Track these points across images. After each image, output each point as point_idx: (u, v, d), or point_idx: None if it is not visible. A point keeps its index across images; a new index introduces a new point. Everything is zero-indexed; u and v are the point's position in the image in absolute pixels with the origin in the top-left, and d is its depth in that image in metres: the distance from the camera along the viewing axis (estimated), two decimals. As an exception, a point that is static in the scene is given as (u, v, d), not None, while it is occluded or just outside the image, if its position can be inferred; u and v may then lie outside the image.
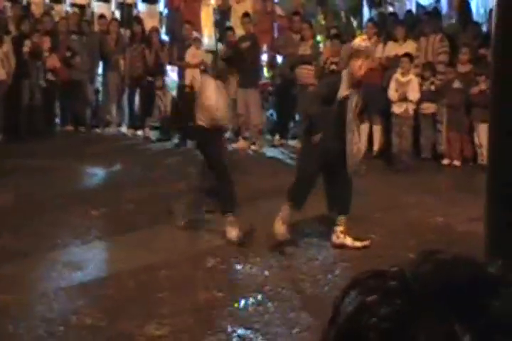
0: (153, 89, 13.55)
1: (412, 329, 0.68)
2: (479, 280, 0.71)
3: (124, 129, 14.19)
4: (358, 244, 7.42)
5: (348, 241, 7.47)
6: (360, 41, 7.56)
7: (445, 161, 11.59)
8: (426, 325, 0.68)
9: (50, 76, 13.60)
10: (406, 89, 11.41)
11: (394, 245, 7.34)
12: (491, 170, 3.91)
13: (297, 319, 5.95)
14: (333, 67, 12.30)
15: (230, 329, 5.73)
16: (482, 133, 10.52)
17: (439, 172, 11.20)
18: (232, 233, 7.59)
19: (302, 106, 10.86)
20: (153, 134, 13.69)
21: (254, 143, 12.77)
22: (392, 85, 11.50)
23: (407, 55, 11.64)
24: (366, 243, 7.45)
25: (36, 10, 15.47)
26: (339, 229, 7.50)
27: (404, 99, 11.42)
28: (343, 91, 7.21)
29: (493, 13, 3.89)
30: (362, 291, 0.74)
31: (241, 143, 12.94)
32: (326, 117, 7.16)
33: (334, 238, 7.52)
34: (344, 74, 7.33)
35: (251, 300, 6.25)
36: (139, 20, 14.67)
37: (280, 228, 7.37)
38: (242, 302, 6.21)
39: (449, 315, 0.68)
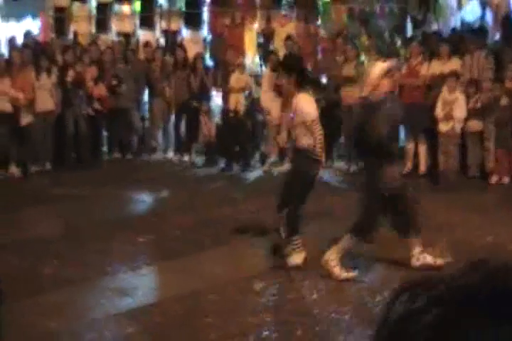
0: (198, 115, 13.64)
1: (455, 338, 0.68)
2: None
3: (170, 155, 14.29)
4: (439, 261, 7.30)
5: (428, 259, 7.33)
6: (381, 63, 7.56)
7: (493, 179, 11.45)
8: (469, 333, 0.68)
9: (96, 105, 13.78)
10: (452, 107, 11.33)
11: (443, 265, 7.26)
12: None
13: (344, 343, 5.90)
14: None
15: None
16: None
17: (486, 190, 11.06)
18: None
19: (349, 127, 10.81)
20: (199, 159, 13.77)
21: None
22: (439, 103, 11.44)
23: (453, 73, 11.58)
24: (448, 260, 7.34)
25: (82, 40, 15.75)
26: (416, 251, 7.35)
27: (450, 117, 11.34)
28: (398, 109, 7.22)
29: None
30: (409, 297, 0.74)
31: (286, 166, 12.92)
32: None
33: (414, 261, 7.34)
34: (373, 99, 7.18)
35: (299, 323, 6.21)
36: (182, 46, 14.81)
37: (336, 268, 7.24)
38: (290, 326, 6.17)
39: (493, 324, 0.68)
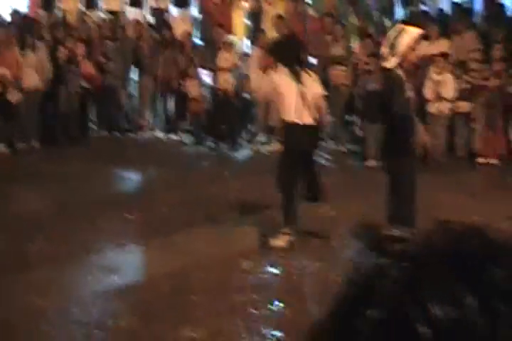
0: (186, 93, 13.59)
1: (419, 291, 0.71)
2: (485, 249, 0.75)
3: (158, 133, 14.26)
4: None
5: None
6: (417, 30, 7.11)
7: (481, 160, 11.49)
8: (431, 287, 0.71)
9: (83, 82, 13.71)
10: (441, 87, 11.34)
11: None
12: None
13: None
14: (367, 67, 12.25)
15: (264, 332, 5.73)
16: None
17: (474, 171, 11.11)
18: None
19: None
20: (187, 138, 13.75)
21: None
22: (428, 84, 11.44)
23: (442, 53, 11.57)
24: None
25: (70, 17, 15.63)
26: None
27: (439, 97, 11.35)
28: (408, 88, 6.95)
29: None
30: (381, 253, 0.77)
31: (275, 146, 12.92)
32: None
33: None
34: (400, 73, 6.84)
35: (285, 302, 6.23)
36: (168, 25, 14.74)
37: None
38: (277, 304, 6.19)
39: (453, 279, 0.72)
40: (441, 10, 13.97)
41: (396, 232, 0.80)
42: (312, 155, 7.79)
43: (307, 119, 7.46)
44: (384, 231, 0.81)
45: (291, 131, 7.44)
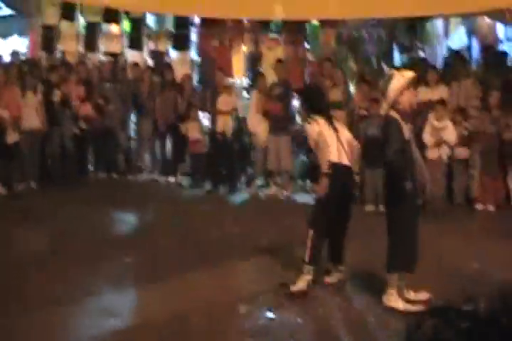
0: (184, 136, 13.63)
1: None
2: None
3: (156, 176, 14.27)
4: (412, 308, 6.83)
5: (400, 304, 7.02)
6: (406, 74, 7.12)
7: (479, 206, 11.51)
8: None
9: (82, 124, 13.76)
10: (441, 134, 11.40)
11: (429, 292, 7.26)
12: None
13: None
14: (363, 112, 12.33)
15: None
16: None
17: (473, 217, 11.11)
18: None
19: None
20: (185, 181, 13.76)
21: (285, 189, 12.78)
22: (427, 130, 11.50)
23: (441, 100, 11.66)
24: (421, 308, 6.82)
25: (70, 59, 15.74)
26: (390, 290, 7.11)
27: (441, 143, 11.40)
28: (406, 130, 6.97)
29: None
30: (435, 325, 0.76)
31: (272, 189, 12.96)
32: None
33: (385, 299, 7.12)
34: (395, 115, 6.90)
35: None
36: (170, 67, 14.83)
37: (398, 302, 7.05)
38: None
39: None
40: (445, 57, 14.10)
41: (461, 304, 0.79)
42: (349, 209, 7.75)
43: (346, 161, 7.56)
44: (449, 303, 0.79)
45: (335, 170, 7.48)
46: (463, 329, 0.66)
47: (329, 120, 7.65)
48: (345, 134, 7.75)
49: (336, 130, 7.63)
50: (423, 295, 7.20)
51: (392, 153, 6.80)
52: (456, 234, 9.67)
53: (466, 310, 0.68)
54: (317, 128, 7.58)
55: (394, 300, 7.05)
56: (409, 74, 7.07)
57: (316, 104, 7.77)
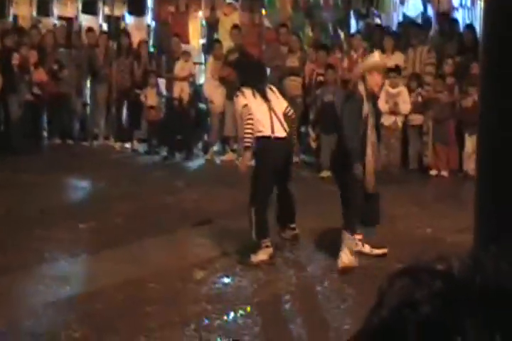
0: (140, 102, 13.54)
1: (451, 335, 0.70)
2: None
3: (112, 142, 14.16)
4: (377, 251, 7.43)
5: (367, 248, 7.47)
6: (378, 56, 7.55)
7: (432, 172, 11.63)
8: (465, 331, 0.70)
9: (36, 90, 13.58)
10: (396, 100, 11.45)
11: (382, 257, 7.35)
12: (479, 182, 3.90)
13: (286, 331, 5.94)
14: (320, 78, 12.34)
15: (219, 343, 5.71)
16: (470, 144, 10.57)
17: (426, 183, 11.23)
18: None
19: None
20: (141, 147, 13.69)
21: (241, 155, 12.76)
22: (382, 97, 11.53)
23: (395, 67, 11.69)
24: (385, 250, 7.46)
25: (23, 23, 15.48)
26: (358, 237, 7.41)
27: (394, 111, 11.46)
28: (366, 107, 7.13)
29: (481, 26, 3.88)
30: (408, 285, 0.75)
31: (229, 155, 12.95)
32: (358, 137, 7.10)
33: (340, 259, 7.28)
34: (361, 89, 7.11)
35: (240, 312, 6.22)
36: (126, 33, 14.66)
37: (350, 258, 7.20)
38: (231, 315, 6.18)
39: (490, 323, 0.70)
40: (399, 23, 14.12)
41: (437, 265, 0.78)
42: (288, 172, 7.79)
43: (280, 133, 7.53)
44: (420, 262, 0.79)
45: (265, 145, 7.50)
46: (437, 289, 0.66)
47: (260, 92, 7.60)
48: (281, 104, 7.76)
49: (267, 101, 7.59)
50: (380, 250, 7.42)
51: (347, 130, 6.98)
52: (410, 200, 9.77)
53: (438, 269, 0.69)
54: (243, 101, 7.58)
55: (358, 245, 7.32)
56: (385, 62, 7.42)
57: (247, 76, 7.82)
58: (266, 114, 7.53)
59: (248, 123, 7.45)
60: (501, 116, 3.63)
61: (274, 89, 7.91)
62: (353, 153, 7.02)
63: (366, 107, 7.11)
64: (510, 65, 3.58)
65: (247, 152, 7.62)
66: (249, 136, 7.49)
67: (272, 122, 7.52)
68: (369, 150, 7.21)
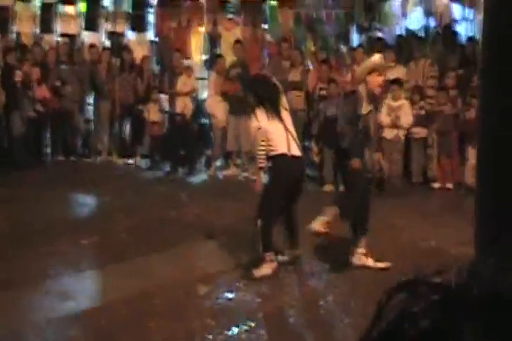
0: (143, 118, 13.56)
1: None
2: None
3: (114, 158, 14.19)
4: (380, 264, 7.44)
5: (370, 262, 7.48)
6: (379, 58, 7.56)
7: (436, 185, 11.62)
8: (463, 340, 0.70)
9: (39, 106, 13.62)
10: (397, 113, 11.46)
11: (385, 270, 7.34)
12: (478, 194, 3.91)
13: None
14: (322, 92, 12.36)
15: (223, 357, 5.70)
16: (472, 157, 10.56)
17: (430, 195, 11.22)
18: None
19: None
20: (144, 163, 13.70)
21: (245, 170, 12.77)
22: (384, 110, 11.55)
23: (396, 80, 11.71)
24: (388, 264, 7.46)
25: (26, 40, 15.54)
26: (360, 250, 7.49)
27: (396, 124, 11.46)
28: (366, 107, 7.21)
29: (480, 37, 3.90)
30: (406, 298, 0.75)
31: (232, 170, 12.96)
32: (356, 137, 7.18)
33: (355, 259, 7.49)
34: (362, 90, 7.24)
35: (243, 327, 6.21)
36: (128, 48, 14.72)
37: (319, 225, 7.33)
38: (235, 329, 6.17)
39: (490, 334, 0.70)
40: (399, 36, 14.15)
41: (431, 277, 0.78)
42: (298, 191, 7.74)
43: (296, 152, 7.57)
44: (418, 275, 0.79)
45: (282, 162, 7.52)
46: (435, 301, 0.66)
47: (276, 112, 7.57)
48: (290, 122, 7.76)
49: (282, 121, 7.58)
50: (383, 264, 7.44)
51: (344, 123, 7.03)
52: (414, 212, 9.76)
53: (436, 282, 0.69)
54: (257, 124, 7.60)
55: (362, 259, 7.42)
56: (382, 61, 7.45)
57: (263, 97, 7.71)
58: (282, 134, 7.52)
59: (262, 145, 7.49)
60: (501, 120, 3.63)
61: (288, 107, 7.89)
62: (351, 149, 7.08)
63: (367, 107, 7.18)
64: (508, 72, 3.59)
65: (261, 173, 7.67)
66: (263, 157, 7.52)
67: (288, 141, 7.52)
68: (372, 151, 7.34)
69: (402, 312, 0.74)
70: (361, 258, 7.44)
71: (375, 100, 7.49)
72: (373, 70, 7.22)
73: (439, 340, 0.71)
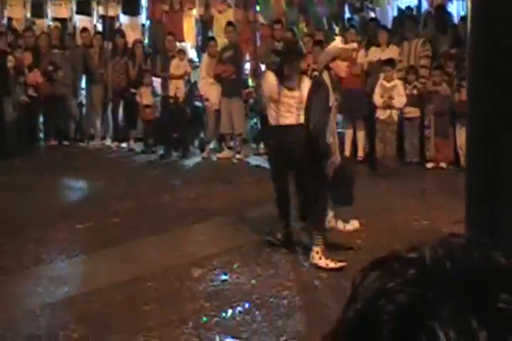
0: (136, 101, 13.52)
1: (428, 321, 0.70)
2: (495, 276, 0.73)
3: (108, 142, 14.16)
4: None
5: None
6: (340, 42, 7.46)
7: (429, 165, 11.61)
8: (442, 316, 0.70)
9: (31, 91, 13.57)
10: (391, 94, 11.43)
11: (380, 249, 7.31)
12: (468, 173, 3.90)
13: (285, 327, 5.93)
14: (315, 73, 12.30)
15: (218, 340, 5.70)
16: (463, 137, 10.56)
17: (423, 175, 11.21)
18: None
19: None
20: (137, 146, 13.67)
21: (238, 152, 12.76)
22: (378, 90, 11.51)
23: (389, 60, 11.67)
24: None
25: (17, 25, 15.47)
26: (330, 214, 7.50)
27: (389, 105, 11.43)
28: (332, 96, 7.09)
29: (468, 16, 3.87)
30: (381, 275, 0.75)
31: (225, 153, 12.94)
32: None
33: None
34: (326, 78, 7.09)
35: (238, 309, 6.23)
36: (121, 32, 14.65)
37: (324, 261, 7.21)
38: (230, 311, 6.18)
39: (465, 308, 0.70)
40: (394, 17, 14.12)
41: (405, 253, 0.78)
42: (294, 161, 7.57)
43: (285, 121, 7.66)
44: (392, 252, 0.78)
45: (271, 131, 7.87)
46: (409, 277, 0.66)
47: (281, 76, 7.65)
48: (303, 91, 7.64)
49: (289, 88, 7.62)
50: (352, 225, 7.47)
51: (315, 125, 6.95)
52: (407, 192, 9.76)
53: (410, 257, 0.69)
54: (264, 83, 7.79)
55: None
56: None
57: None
58: (278, 103, 7.86)
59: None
60: (490, 99, 3.62)
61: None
62: (324, 150, 6.98)
63: (332, 97, 7.06)
64: (498, 56, 3.57)
65: None
66: None
67: (278, 112, 7.80)
68: (333, 140, 7.21)
69: (377, 289, 0.74)
70: (330, 221, 7.47)
71: (339, 88, 7.40)
72: (336, 56, 7.12)
73: (416, 314, 0.71)
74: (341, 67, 7.14)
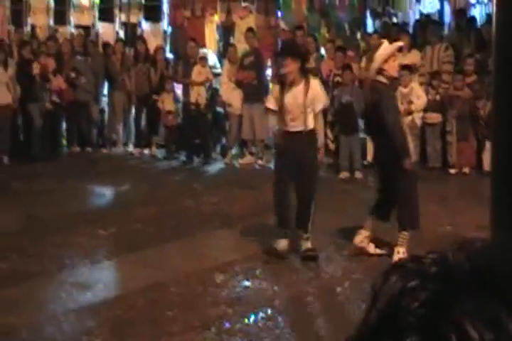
0: (158, 108, 13.56)
1: (454, 315, 0.69)
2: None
3: (130, 148, 14.20)
4: (378, 251, 7.45)
5: (371, 248, 7.47)
6: (387, 44, 7.44)
7: (453, 170, 11.55)
8: (468, 310, 0.69)
9: (54, 98, 13.64)
10: (409, 98, 11.37)
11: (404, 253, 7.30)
12: (494, 178, 3.87)
13: (307, 333, 5.91)
14: (338, 79, 12.29)
15: (240, 346, 5.69)
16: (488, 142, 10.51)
17: (446, 181, 11.15)
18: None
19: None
20: (159, 152, 13.71)
21: (260, 158, 12.76)
22: (398, 97, 11.46)
23: (406, 66, 11.61)
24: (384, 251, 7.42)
25: (40, 33, 15.58)
26: (365, 233, 7.48)
27: (409, 111, 11.37)
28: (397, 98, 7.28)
29: (493, 20, 3.84)
30: (402, 276, 0.75)
31: (247, 159, 12.95)
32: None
33: (357, 240, 7.46)
34: (385, 81, 7.15)
35: (260, 315, 6.20)
36: (142, 39, 14.71)
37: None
38: (252, 317, 6.16)
39: (492, 301, 0.70)
40: (416, 21, 14.08)
41: (426, 255, 0.78)
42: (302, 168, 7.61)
43: (290, 127, 7.63)
44: (412, 256, 0.78)
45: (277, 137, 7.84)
46: (431, 274, 0.66)
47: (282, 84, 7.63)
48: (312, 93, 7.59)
49: (293, 96, 7.54)
50: (381, 250, 7.45)
51: (392, 123, 6.98)
52: (430, 197, 9.69)
53: (431, 257, 0.69)
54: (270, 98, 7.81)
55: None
56: (398, 43, 7.41)
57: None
58: (283, 110, 7.77)
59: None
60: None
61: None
62: (402, 150, 7.02)
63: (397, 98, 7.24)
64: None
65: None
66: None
67: (282, 117, 7.72)
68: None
69: (400, 288, 0.73)
70: (364, 241, 7.45)
71: (395, 88, 7.53)
72: (389, 57, 7.18)
73: (442, 309, 0.70)
74: (394, 66, 7.22)
